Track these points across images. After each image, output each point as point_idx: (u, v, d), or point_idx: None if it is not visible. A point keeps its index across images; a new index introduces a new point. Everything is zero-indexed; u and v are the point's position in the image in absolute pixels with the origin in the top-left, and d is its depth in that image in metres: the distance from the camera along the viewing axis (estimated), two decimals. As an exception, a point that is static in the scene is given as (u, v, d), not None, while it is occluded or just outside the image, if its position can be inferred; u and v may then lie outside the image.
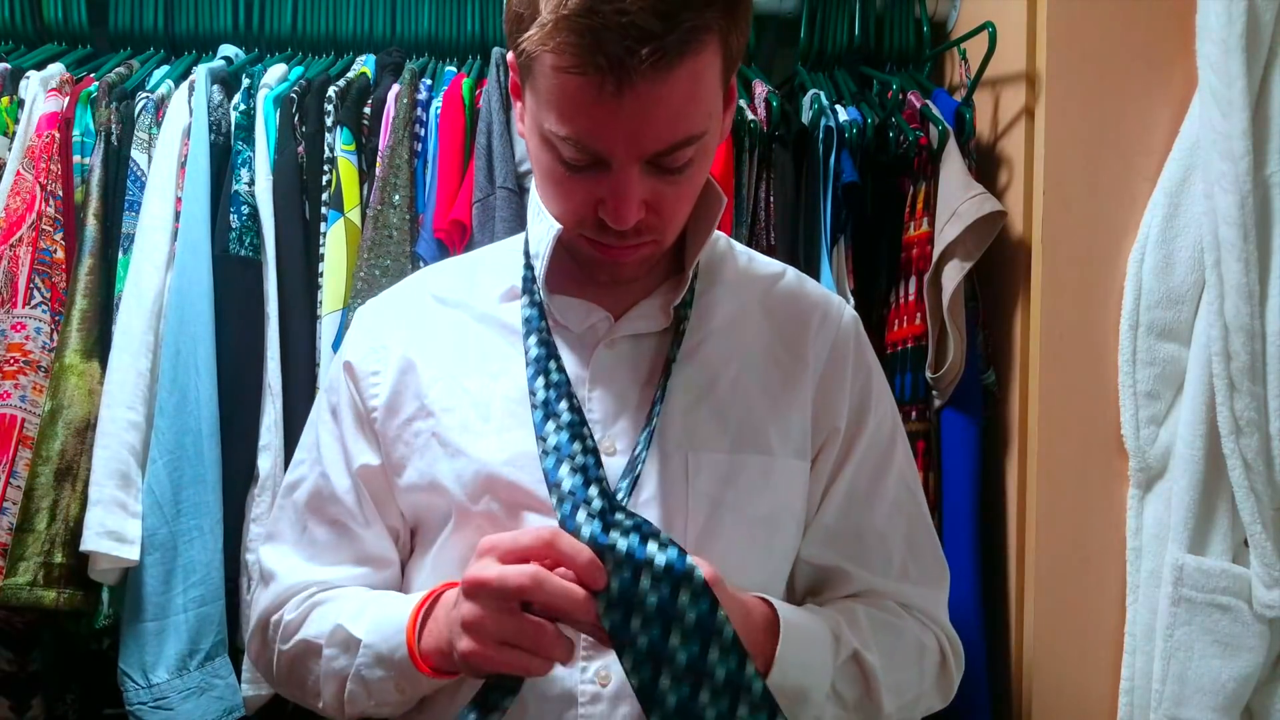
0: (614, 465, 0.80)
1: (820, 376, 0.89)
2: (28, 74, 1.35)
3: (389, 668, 0.78)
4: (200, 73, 1.34)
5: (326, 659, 0.82)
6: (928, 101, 1.36)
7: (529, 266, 0.87)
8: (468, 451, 0.82)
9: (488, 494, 0.81)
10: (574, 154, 0.72)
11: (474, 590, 0.70)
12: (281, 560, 0.89)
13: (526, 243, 0.89)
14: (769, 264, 0.96)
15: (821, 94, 1.38)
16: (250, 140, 1.32)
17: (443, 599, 0.78)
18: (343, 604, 0.84)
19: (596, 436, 0.80)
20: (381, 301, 0.95)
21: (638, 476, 0.79)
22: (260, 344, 1.26)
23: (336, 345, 1.23)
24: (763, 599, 0.79)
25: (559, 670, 0.76)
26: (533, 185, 0.87)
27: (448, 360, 0.86)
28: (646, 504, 0.80)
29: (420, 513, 0.86)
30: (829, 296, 0.95)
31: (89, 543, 1.16)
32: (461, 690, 0.80)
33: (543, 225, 0.83)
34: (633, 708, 0.77)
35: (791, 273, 0.96)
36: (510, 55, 0.77)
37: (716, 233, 0.94)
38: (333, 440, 0.89)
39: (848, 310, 0.94)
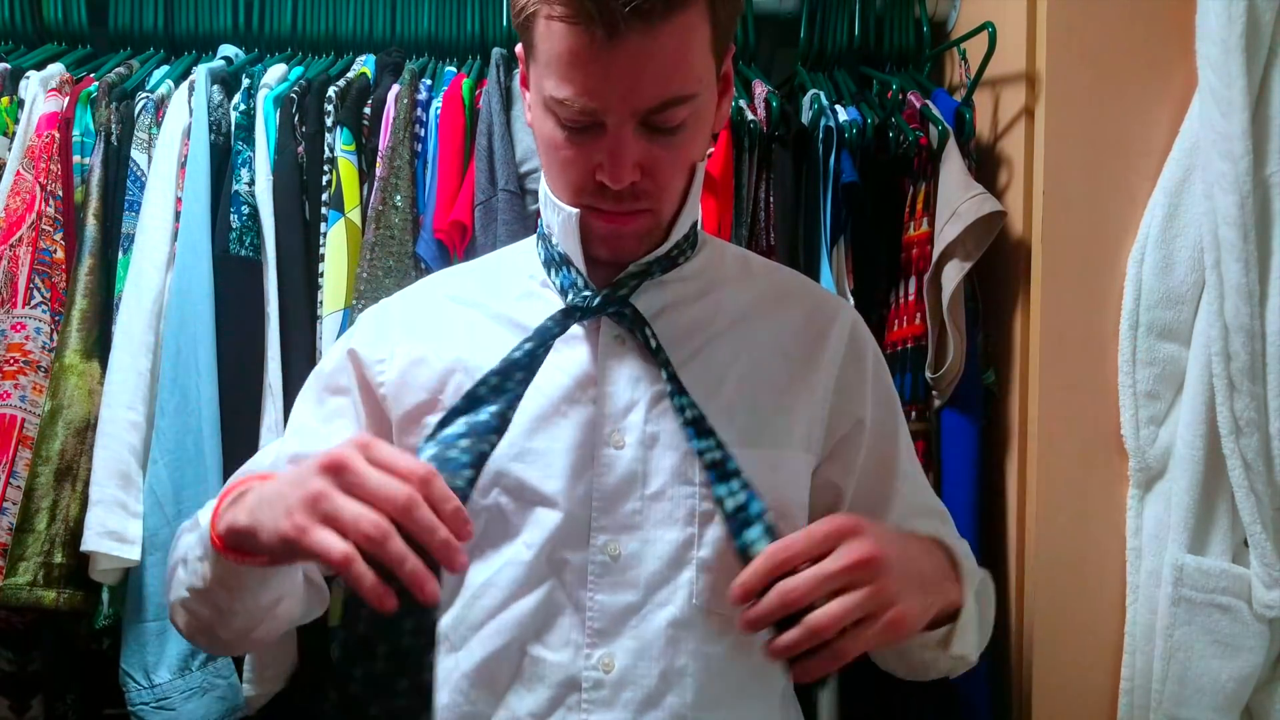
0: (621, 458, 0.82)
1: (839, 371, 0.91)
2: (28, 74, 1.34)
3: (201, 541, 0.78)
4: (200, 73, 1.33)
5: (182, 547, 0.84)
6: (928, 101, 1.36)
7: (549, 257, 0.89)
8: None
9: (497, 487, 0.82)
10: (571, 116, 0.76)
11: (336, 470, 0.65)
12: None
13: (544, 232, 0.90)
14: (771, 266, 1.00)
15: (821, 94, 1.38)
16: (250, 140, 1.32)
17: (283, 475, 0.72)
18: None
19: (606, 430, 0.83)
20: (389, 303, 0.96)
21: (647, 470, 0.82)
22: (260, 344, 1.26)
23: (337, 345, 1.23)
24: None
25: (563, 657, 0.79)
26: (541, 181, 0.89)
27: (463, 355, 0.86)
28: (653, 498, 0.82)
29: None
30: (834, 296, 0.99)
31: (90, 543, 1.16)
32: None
33: (560, 216, 0.84)
34: (634, 693, 0.78)
35: (792, 273, 0.99)
36: (519, 49, 0.81)
37: (718, 240, 0.98)
38: (318, 423, 0.91)
39: (851, 309, 0.98)
